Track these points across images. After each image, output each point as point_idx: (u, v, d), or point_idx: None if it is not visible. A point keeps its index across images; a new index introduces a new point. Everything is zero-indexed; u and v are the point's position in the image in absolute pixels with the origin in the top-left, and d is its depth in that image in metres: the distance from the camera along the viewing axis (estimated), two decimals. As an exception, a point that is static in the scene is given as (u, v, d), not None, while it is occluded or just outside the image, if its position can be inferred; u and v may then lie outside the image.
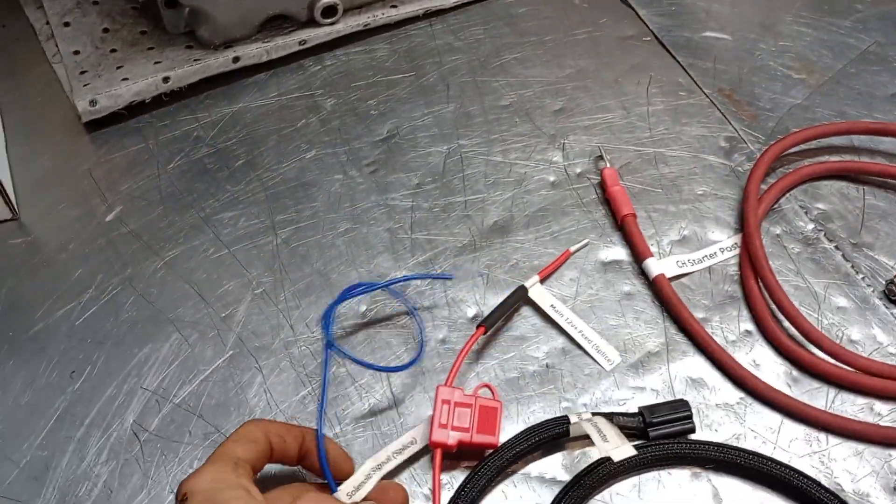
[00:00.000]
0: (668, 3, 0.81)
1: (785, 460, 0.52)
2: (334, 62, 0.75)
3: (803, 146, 0.68)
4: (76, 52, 0.71)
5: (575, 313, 0.58)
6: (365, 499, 0.47)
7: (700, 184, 0.67)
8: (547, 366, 0.57)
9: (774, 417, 0.55)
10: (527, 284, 0.59)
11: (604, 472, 0.51)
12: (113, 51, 0.72)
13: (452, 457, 0.52)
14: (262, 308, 0.59)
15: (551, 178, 0.67)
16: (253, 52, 0.71)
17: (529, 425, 0.52)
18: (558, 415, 0.53)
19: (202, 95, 0.71)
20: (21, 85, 0.72)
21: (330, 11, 0.73)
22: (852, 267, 0.62)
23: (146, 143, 0.68)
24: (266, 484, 0.45)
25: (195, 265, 0.61)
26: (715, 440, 0.53)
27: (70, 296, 0.59)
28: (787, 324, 0.58)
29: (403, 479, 0.52)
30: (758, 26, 0.79)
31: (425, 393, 0.55)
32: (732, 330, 0.59)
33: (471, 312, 0.59)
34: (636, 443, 0.52)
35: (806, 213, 0.65)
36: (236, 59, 0.71)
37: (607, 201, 0.65)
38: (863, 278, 0.61)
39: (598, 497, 0.51)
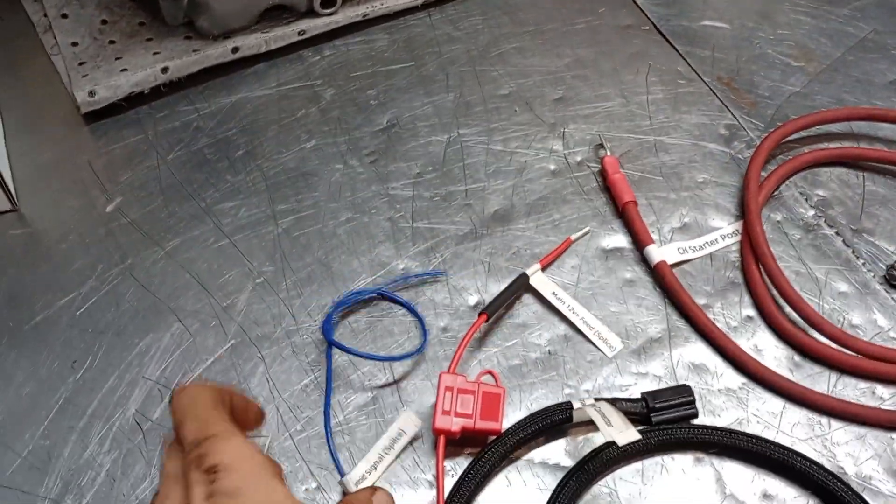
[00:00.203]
0: (666, -8, 0.81)
1: (787, 444, 0.52)
2: (333, 52, 0.74)
3: (803, 133, 0.68)
4: (74, 44, 0.71)
5: (576, 300, 0.58)
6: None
7: (700, 171, 0.67)
8: (549, 353, 0.57)
9: (777, 402, 0.55)
10: (528, 272, 0.59)
11: (607, 458, 0.51)
12: (111, 42, 0.71)
13: (456, 443, 0.52)
14: (264, 297, 0.59)
15: (552, 167, 0.67)
16: (252, 42, 0.71)
17: (532, 412, 0.52)
18: (561, 401, 0.53)
19: (201, 86, 0.71)
20: (20, 77, 0.72)
21: (329, 2, 0.73)
22: (853, 252, 0.62)
23: (145, 134, 0.68)
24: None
25: (196, 255, 0.61)
26: (718, 425, 0.53)
27: (71, 286, 0.59)
28: (788, 309, 0.58)
29: (407, 465, 0.52)
30: (756, 14, 0.79)
31: (428, 380, 0.55)
32: (734, 316, 0.59)
33: (472, 300, 0.59)
34: (641, 427, 0.52)
35: (806, 199, 0.65)
36: (235, 50, 0.71)
37: (608, 189, 0.65)
38: (863, 263, 0.61)
39: (601, 482, 0.51)
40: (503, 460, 0.51)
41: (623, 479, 0.51)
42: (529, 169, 0.67)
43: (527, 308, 0.59)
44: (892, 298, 0.60)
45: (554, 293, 0.58)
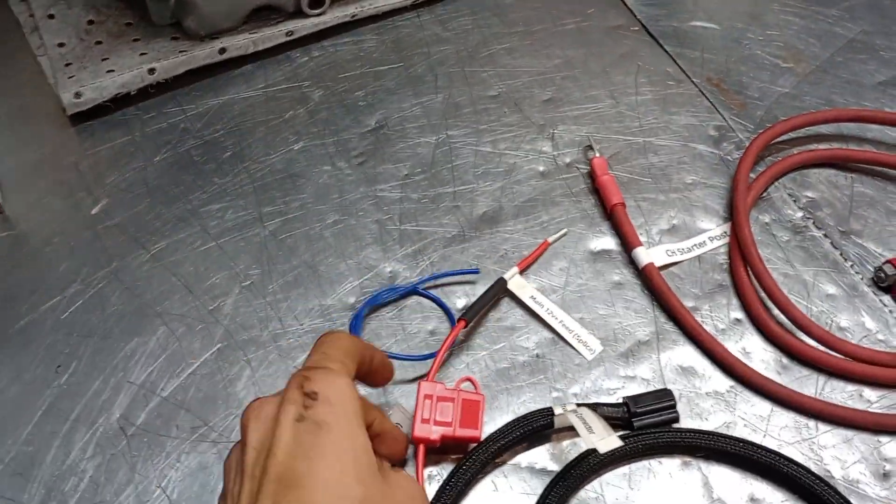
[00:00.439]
0: (656, -7, 0.81)
1: (775, 448, 0.52)
2: (322, 53, 0.74)
3: (792, 134, 0.68)
4: (61, 45, 0.71)
5: (560, 305, 0.58)
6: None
7: (689, 173, 0.67)
8: (537, 356, 0.56)
9: (764, 405, 0.54)
10: (506, 276, 0.58)
11: (594, 462, 0.51)
12: (98, 43, 0.71)
13: (439, 449, 0.51)
14: (250, 300, 0.58)
15: (540, 168, 0.67)
16: (239, 43, 0.71)
17: (515, 417, 0.52)
18: (548, 405, 0.53)
19: (188, 87, 0.71)
20: (5, 78, 0.72)
21: (317, 2, 0.73)
22: (841, 254, 0.62)
23: (132, 136, 0.67)
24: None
25: (182, 258, 0.61)
26: (705, 429, 0.53)
27: (56, 289, 0.59)
28: (776, 312, 0.58)
29: (393, 470, 0.51)
30: (745, 15, 0.79)
31: (411, 385, 0.55)
32: (722, 318, 0.58)
33: (460, 303, 0.59)
34: (624, 432, 0.52)
35: (795, 201, 0.65)
36: (223, 51, 0.70)
37: (596, 191, 0.65)
38: (851, 266, 0.61)
39: (588, 487, 0.51)
40: (485, 467, 0.51)
41: (610, 484, 0.51)
42: (518, 171, 0.66)
43: (514, 311, 0.58)
44: (880, 301, 0.60)
45: (532, 297, 0.58)
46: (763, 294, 0.58)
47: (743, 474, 0.52)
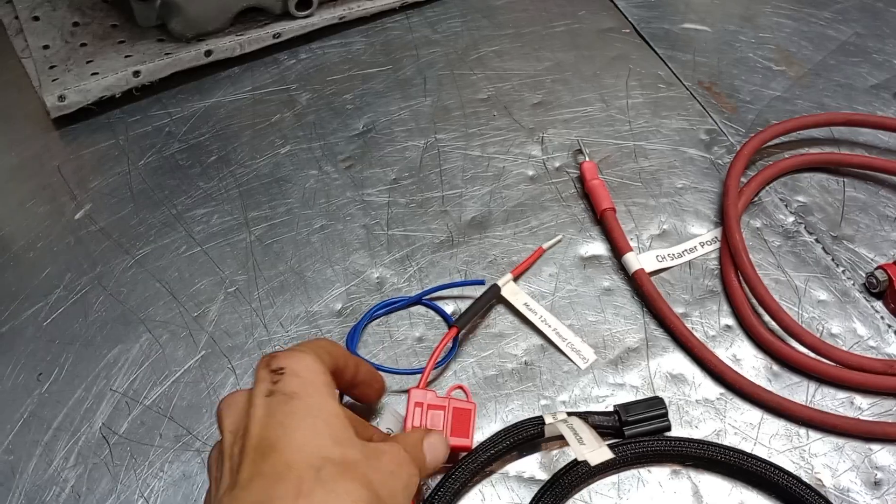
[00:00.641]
0: (647, -5, 0.80)
1: (765, 456, 0.51)
2: (309, 56, 0.73)
3: (783, 138, 0.68)
4: (45, 47, 0.70)
5: (550, 311, 0.57)
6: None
7: (680, 177, 0.66)
8: (525, 363, 0.56)
9: (755, 413, 0.54)
10: (499, 283, 0.58)
11: (582, 471, 0.50)
12: (83, 45, 0.70)
13: None
14: (236, 307, 0.58)
15: (530, 173, 0.66)
16: (226, 45, 0.70)
17: (505, 426, 0.51)
18: (537, 413, 0.52)
19: (174, 90, 0.70)
20: (-12, 80, 0.71)
21: (305, 4, 0.72)
22: (833, 260, 0.61)
23: (116, 139, 0.67)
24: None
25: (167, 263, 0.60)
26: (695, 437, 0.52)
27: (38, 295, 0.58)
28: (767, 318, 0.57)
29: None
30: (737, 18, 0.78)
31: (403, 394, 0.54)
32: (712, 325, 0.58)
33: (449, 310, 0.58)
34: (613, 441, 0.51)
35: (786, 205, 0.64)
36: (209, 53, 0.70)
37: (586, 195, 0.64)
38: (843, 271, 0.61)
39: (576, 496, 0.50)
40: (474, 477, 0.50)
41: (599, 493, 0.50)
42: (507, 175, 0.66)
43: (503, 318, 0.58)
44: (872, 307, 0.59)
45: (526, 304, 0.58)
46: (754, 300, 0.58)
47: (733, 483, 0.51)
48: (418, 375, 0.52)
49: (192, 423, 0.52)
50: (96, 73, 0.67)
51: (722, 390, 0.55)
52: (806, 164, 0.66)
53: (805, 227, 0.63)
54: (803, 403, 0.54)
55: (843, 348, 0.56)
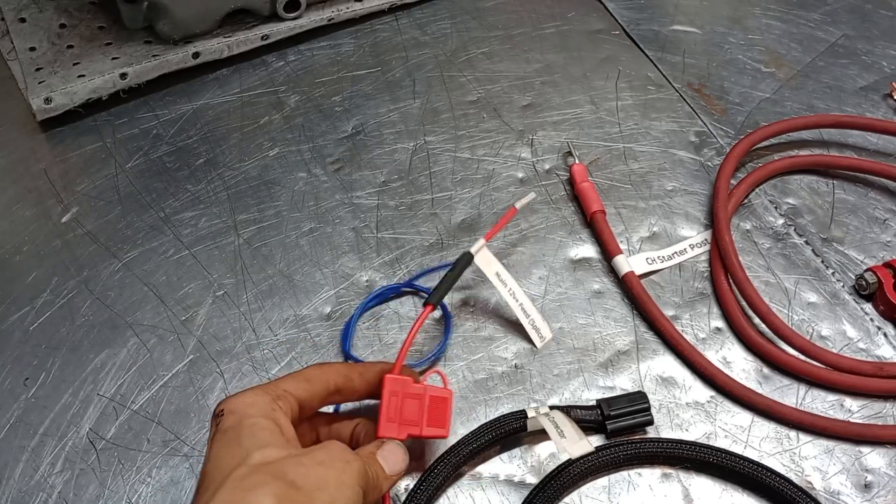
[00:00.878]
0: (636, -3, 0.80)
1: (756, 459, 0.51)
2: (298, 58, 0.73)
3: (773, 140, 0.68)
4: (32, 49, 0.69)
5: (540, 314, 0.57)
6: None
7: (670, 179, 0.66)
8: (515, 366, 0.56)
9: (745, 415, 0.54)
10: (472, 250, 0.55)
11: (573, 474, 0.50)
12: (70, 47, 0.70)
13: (414, 454, 0.50)
14: (224, 311, 0.57)
15: (520, 175, 0.66)
16: (214, 47, 0.70)
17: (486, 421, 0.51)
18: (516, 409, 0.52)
19: (161, 92, 0.70)
20: (-26, 83, 0.70)
21: (293, 5, 0.72)
22: (822, 262, 0.61)
23: (103, 142, 0.66)
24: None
25: (154, 267, 0.59)
26: (686, 439, 0.52)
27: (24, 300, 0.57)
28: (757, 320, 0.57)
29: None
30: (727, 19, 0.78)
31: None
32: (703, 327, 0.58)
33: (437, 313, 0.58)
34: (604, 442, 0.51)
35: (776, 207, 0.64)
36: (196, 55, 0.69)
37: (576, 198, 0.64)
38: (833, 273, 0.61)
39: (567, 499, 0.50)
40: (456, 470, 0.50)
41: (589, 497, 0.50)
42: (497, 177, 0.65)
43: (493, 321, 0.58)
44: (862, 309, 0.59)
45: (497, 273, 0.55)
46: (744, 303, 0.58)
47: (724, 486, 0.51)
48: (421, 367, 0.53)
49: (180, 427, 0.52)
50: (83, 76, 0.67)
51: (712, 393, 0.55)
52: (796, 167, 0.66)
53: (795, 230, 0.63)
54: (793, 406, 0.54)
55: (833, 351, 0.56)
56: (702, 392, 0.55)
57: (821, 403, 0.55)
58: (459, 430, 0.51)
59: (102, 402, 0.53)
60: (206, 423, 0.52)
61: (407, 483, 0.50)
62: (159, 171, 0.65)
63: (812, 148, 0.68)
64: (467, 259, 0.54)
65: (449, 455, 0.49)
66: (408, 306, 0.58)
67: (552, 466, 0.51)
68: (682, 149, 0.68)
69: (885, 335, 0.58)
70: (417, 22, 0.77)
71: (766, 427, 0.53)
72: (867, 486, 0.51)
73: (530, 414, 0.51)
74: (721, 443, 0.53)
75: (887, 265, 0.59)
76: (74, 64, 0.68)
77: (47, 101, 0.65)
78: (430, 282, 0.59)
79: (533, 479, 0.51)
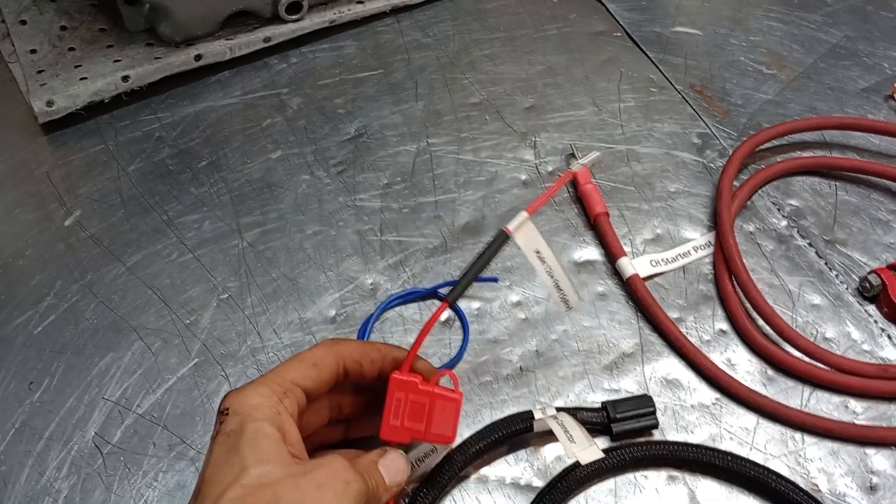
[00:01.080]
0: (638, -2, 0.80)
1: (761, 461, 0.51)
2: (300, 60, 0.73)
3: (775, 142, 0.68)
4: (33, 51, 0.69)
5: (540, 318, 0.56)
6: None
7: (673, 181, 0.66)
8: (521, 369, 0.56)
9: (750, 418, 0.54)
10: (510, 226, 0.48)
11: (579, 476, 0.50)
12: (71, 49, 0.69)
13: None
14: (228, 314, 0.57)
15: (523, 177, 0.66)
16: (216, 49, 0.70)
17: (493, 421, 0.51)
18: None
19: (164, 95, 0.69)
20: (-25, 85, 0.70)
21: (295, 7, 0.72)
22: (826, 264, 0.62)
23: (106, 145, 0.66)
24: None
25: (158, 270, 0.59)
26: (691, 441, 0.52)
27: (28, 304, 0.57)
28: (761, 322, 0.57)
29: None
30: (728, 21, 0.79)
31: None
32: (707, 329, 0.58)
33: (443, 316, 0.58)
34: (610, 445, 0.51)
35: (779, 209, 0.65)
36: (198, 57, 0.69)
37: (579, 200, 0.64)
38: (836, 275, 0.61)
39: (572, 502, 0.50)
40: (462, 470, 0.50)
41: (595, 499, 0.50)
42: (500, 179, 0.65)
43: (498, 323, 0.58)
44: (866, 311, 0.59)
45: (538, 252, 0.49)
46: (748, 305, 0.58)
47: (730, 488, 0.51)
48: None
49: (185, 431, 0.52)
50: (85, 78, 0.66)
51: (717, 395, 0.55)
52: (798, 168, 0.66)
53: (798, 231, 0.63)
54: (798, 408, 0.54)
55: (838, 353, 0.57)
56: (707, 394, 0.55)
57: (825, 405, 0.55)
58: (464, 432, 0.51)
59: (107, 406, 0.53)
60: (212, 427, 0.52)
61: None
62: (162, 173, 0.65)
63: (814, 149, 0.68)
64: (502, 238, 0.48)
65: (455, 455, 0.49)
66: (412, 309, 0.58)
67: (558, 469, 0.51)
68: (685, 150, 0.68)
69: (889, 337, 0.58)
70: (419, 24, 0.76)
71: (771, 429, 0.54)
72: (873, 488, 0.51)
73: (537, 415, 0.51)
74: (726, 445, 0.53)
75: (891, 267, 0.60)
76: (76, 66, 0.68)
77: (49, 103, 0.65)
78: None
79: (539, 482, 0.51)
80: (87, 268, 0.59)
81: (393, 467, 0.44)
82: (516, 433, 0.51)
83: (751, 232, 0.63)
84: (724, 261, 0.60)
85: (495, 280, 0.59)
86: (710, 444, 0.53)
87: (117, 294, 0.58)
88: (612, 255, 0.61)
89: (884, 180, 0.66)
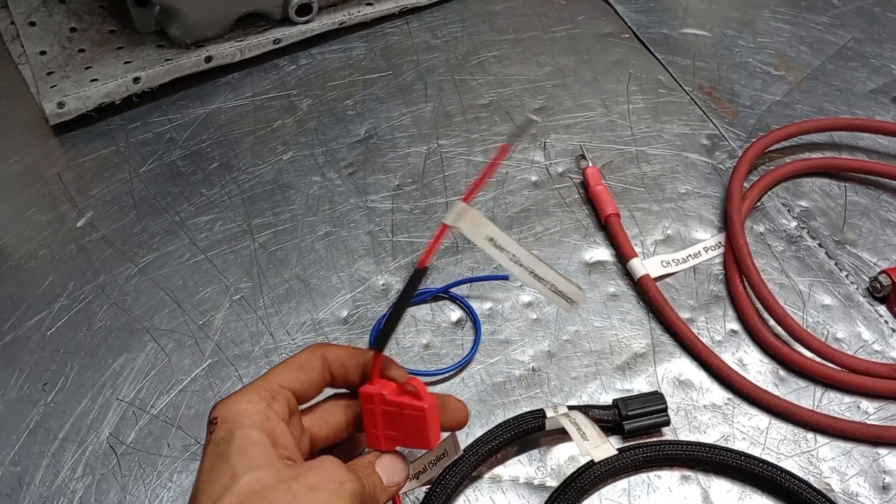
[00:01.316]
0: (646, 0, 0.80)
1: (774, 461, 0.51)
2: (310, 61, 0.73)
3: (784, 143, 0.68)
4: (43, 53, 0.69)
5: (551, 317, 0.57)
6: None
7: (683, 182, 0.66)
8: (533, 369, 0.56)
9: (762, 418, 0.54)
10: (448, 219, 0.43)
11: (593, 476, 0.50)
12: (81, 51, 0.70)
13: None
14: (241, 315, 0.57)
15: (533, 178, 0.66)
16: (226, 51, 0.70)
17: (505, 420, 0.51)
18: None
19: (174, 96, 0.70)
20: (-15, 87, 0.70)
21: (305, 9, 0.72)
22: (836, 264, 0.62)
23: (117, 146, 0.66)
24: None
25: (170, 271, 0.59)
26: (704, 441, 0.52)
27: (41, 305, 0.57)
28: (772, 323, 0.57)
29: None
30: (736, 22, 0.79)
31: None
32: (718, 330, 0.58)
33: (454, 317, 0.58)
34: (624, 444, 0.51)
35: (789, 210, 0.65)
36: (209, 59, 0.69)
37: (590, 201, 0.64)
38: (846, 276, 0.61)
39: (586, 502, 0.50)
40: (476, 468, 0.50)
41: (609, 499, 0.50)
42: (510, 181, 0.66)
43: (510, 324, 0.58)
44: (876, 311, 0.59)
45: (491, 239, 0.43)
46: (759, 305, 0.58)
47: (743, 488, 0.51)
48: (443, 375, 0.54)
49: (199, 432, 0.52)
50: (95, 80, 0.67)
51: (729, 395, 0.55)
52: (808, 170, 0.66)
53: (808, 232, 0.63)
54: (810, 408, 0.54)
55: (849, 353, 0.57)
56: (719, 394, 0.55)
57: (837, 405, 0.55)
58: (477, 432, 0.51)
59: (122, 407, 0.53)
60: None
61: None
62: (173, 175, 0.65)
63: (823, 150, 0.69)
64: (416, 278, 0.44)
65: (467, 454, 0.50)
66: (423, 310, 0.58)
67: (571, 469, 0.51)
68: (695, 152, 0.68)
69: (900, 337, 0.58)
70: (428, 25, 0.77)
71: (783, 429, 0.54)
72: (885, 488, 0.51)
73: (549, 413, 0.51)
74: (739, 445, 0.53)
75: (901, 267, 0.60)
76: (86, 68, 0.68)
77: (60, 105, 0.65)
78: (461, 290, 0.59)
79: (552, 482, 0.51)
80: (100, 269, 0.59)
81: (391, 468, 0.44)
82: (528, 431, 0.51)
83: (761, 233, 0.63)
84: (735, 261, 0.60)
85: (505, 278, 0.59)
86: (722, 443, 0.53)
87: (130, 295, 0.58)
88: (623, 255, 0.61)
89: (893, 181, 0.67)
